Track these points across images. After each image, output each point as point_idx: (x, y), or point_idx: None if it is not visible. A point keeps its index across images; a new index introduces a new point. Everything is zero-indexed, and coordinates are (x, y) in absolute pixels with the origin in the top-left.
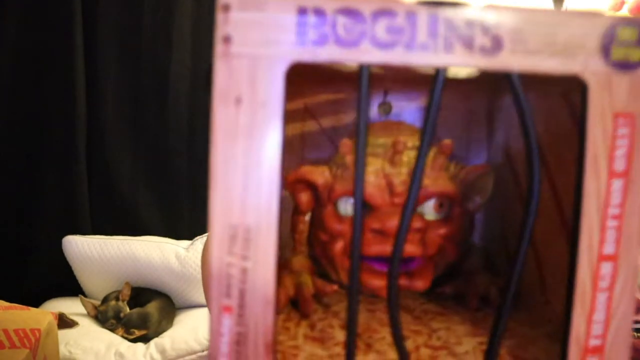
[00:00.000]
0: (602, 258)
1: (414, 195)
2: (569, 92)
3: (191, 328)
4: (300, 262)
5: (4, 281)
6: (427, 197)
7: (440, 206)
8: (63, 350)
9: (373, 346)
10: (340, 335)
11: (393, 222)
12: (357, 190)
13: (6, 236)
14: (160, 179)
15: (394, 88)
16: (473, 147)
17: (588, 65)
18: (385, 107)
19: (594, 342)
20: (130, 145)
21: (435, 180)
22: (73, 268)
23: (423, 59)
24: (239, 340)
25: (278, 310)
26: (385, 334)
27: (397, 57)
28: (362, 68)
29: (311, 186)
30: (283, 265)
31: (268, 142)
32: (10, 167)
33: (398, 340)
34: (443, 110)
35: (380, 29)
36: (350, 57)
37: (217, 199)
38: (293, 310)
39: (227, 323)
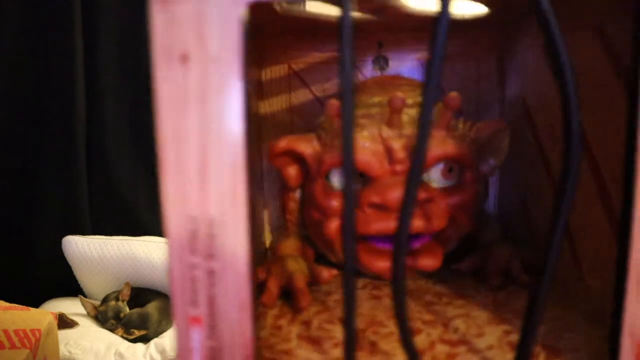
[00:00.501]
0: None
1: (418, 161)
2: (605, 26)
3: None
4: (291, 245)
5: (3, 281)
6: (434, 162)
7: (449, 171)
8: (63, 350)
9: (378, 345)
10: (340, 333)
11: (395, 194)
12: (346, 160)
13: (6, 236)
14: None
15: (389, 40)
16: (483, 102)
17: None
18: (381, 62)
19: None
20: (130, 145)
21: (442, 141)
22: (73, 268)
23: None
24: (213, 357)
25: (269, 305)
26: (393, 327)
27: None
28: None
29: (299, 158)
30: (272, 251)
31: (226, 108)
32: (10, 167)
33: (407, 342)
34: (447, 60)
35: None
36: None
37: (169, 185)
38: (286, 303)
39: (197, 337)
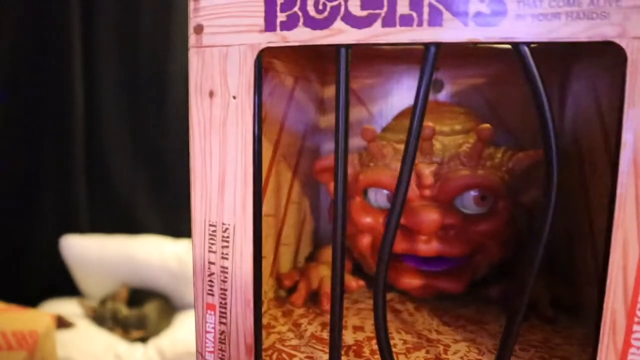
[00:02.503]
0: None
1: (405, 178)
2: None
3: (189, 329)
4: (330, 254)
5: (1, 282)
6: (458, 191)
7: (482, 199)
8: (61, 352)
9: (375, 354)
10: (349, 339)
11: (420, 219)
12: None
13: (3, 236)
14: (159, 178)
15: (446, 63)
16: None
17: (627, 28)
18: (436, 85)
19: None
20: (129, 145)
21: (474, 169)
22: (71, 269)
23: (405, 36)
24: (223, 339)
25: (296, 305)
26: (398, 340)
27: (375, 35)
28: (339, 50)
29: None
30: (312, 256)
31: (239, 137)
32: (8, 167)
33: (383, 350)
34: (506, 84)
35: (354, 3)
36: (323, 40)
37: (197, 195)
38: (314, 306)
39: (211, 321)
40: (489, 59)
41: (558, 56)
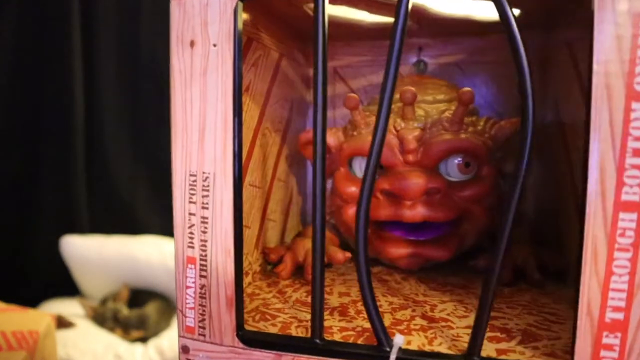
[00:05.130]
0: (620, 207)
1: (380, 135)
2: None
3: None
4: None
5: (1, 282)
6: (443, 154)
7: (466, 166)
8: (61, 352)
9: (354, 314)
10: (335, 302)
11: (404, 184)
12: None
13: (4, 237)
14: (159, 178)
15: (429, 45)
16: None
17: None
18: (420, 65)
19: (612, 316)
20: (129, 145)
21: (457, 133)
22: (71, 269)
23: None
24: (204, 293)
25: (282, 276)
26: (384, 302)
27: None
28: None
29: (328, 150)
30: (300, 233)
31: (219, 84)
32: (8, 167)
33: (369, 307)
34: (486, 63)
35: None
36: None
37: (178, 146)
38: (300, 278)
39: (192, 275)
40: (470, 36)
41: (538, 28)
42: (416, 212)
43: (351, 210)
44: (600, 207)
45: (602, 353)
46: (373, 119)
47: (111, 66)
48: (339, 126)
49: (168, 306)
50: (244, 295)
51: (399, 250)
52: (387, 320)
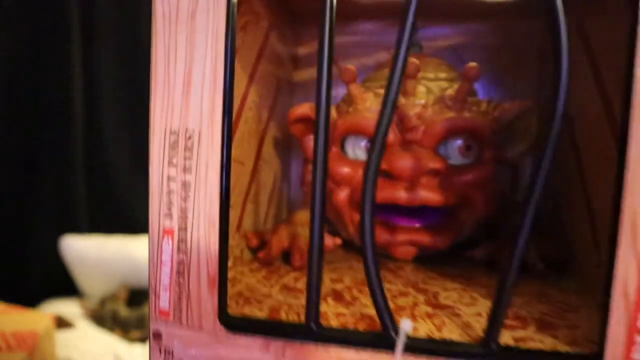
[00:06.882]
0: None
1: (388, 112)
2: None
3: None
4: (305, 216)
5: (1, 282)
6: (445, 133)
7: (467, 149)
8: (60, 352)
9: (350, 298)
10: (327, 289)
11: (403, 164)
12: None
13: (3, 236)
14: None
15: (425, 27)
16: (521, 89)
17: None
18: (416, 48)
19: None
20: (129, 145)
21: (460, 112)
22: (71, 269)
23: None
24: (181, 271)
25: (266, 261)
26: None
27: None
28: None
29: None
30: (286, 219)
31: (210, 28)
32: (8, 167)
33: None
34: (485, 49)
35: None
36: None
37: (157, 100)
38: (286, 265)
39: (168, 249)
40: (468, 20)
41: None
42: (414, 194)
43: (343, 194)
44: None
45: (637, 338)
46: (370, 94)
47: (111, 66)
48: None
49: None
50: None
51: (393, 237)
52: None
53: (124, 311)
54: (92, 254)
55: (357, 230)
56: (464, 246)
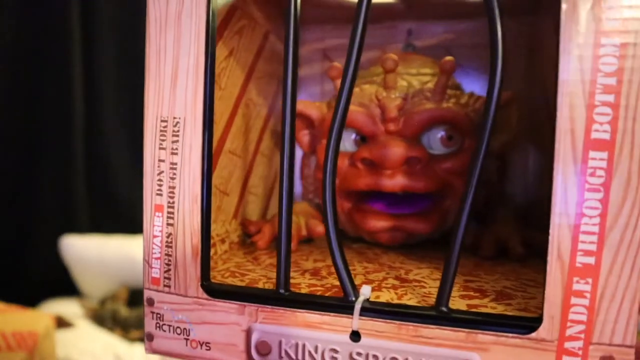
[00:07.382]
0: (590, 145)
1: (344, 98)
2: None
3: None
4: (301, 208)
5: (1, 282)
6: (425, 123)
7: (449, 139)
8: (60, 352)
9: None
10: (308, 266)
11: (384, 152)
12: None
13: (3, 236)
14: None
15: (417, 28)
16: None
17: None
18: (409, 49)
19: (583, 260)
20: (129, 145)
21: (439, 103)
22: (71, 269)
23: None
24: (170, 242)
25: (259, 245)
26: (358, 266)
27: None
28: None
29: (310, 123)
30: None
31: (192, 28)
32: (8, 166)
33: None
34: (473, 48)
35: None
36: None
37: (150, 93)
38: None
39: (159, 223)
40: (458, 19)
41: (527, 13)
42: (396, 181)
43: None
44: (570, 145)
45: (573, 300)
46: (356, 89)
47: (111, 66)
48: None
49: None
50: (218, 258)
51: (379, 223)
52: (358, 281)
53: (124, 311)
54: (92, 254)
55: (346, 218)
56: (449, 234)
